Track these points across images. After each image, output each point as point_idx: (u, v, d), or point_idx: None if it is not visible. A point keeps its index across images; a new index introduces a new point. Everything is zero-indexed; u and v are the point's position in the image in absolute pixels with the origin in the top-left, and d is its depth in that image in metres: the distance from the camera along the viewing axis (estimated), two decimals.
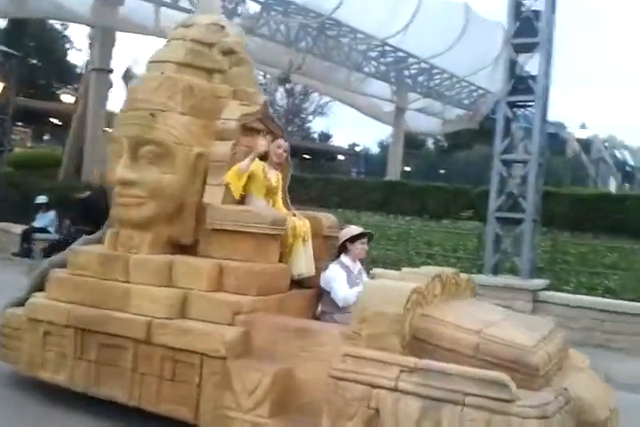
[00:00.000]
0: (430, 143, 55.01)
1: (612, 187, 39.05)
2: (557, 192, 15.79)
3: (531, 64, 9.01)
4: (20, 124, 34.41)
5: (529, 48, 8.91)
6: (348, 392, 3.27)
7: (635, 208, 14.38)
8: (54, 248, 10.84)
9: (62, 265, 4.96)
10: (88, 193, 11.08)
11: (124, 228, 4.72)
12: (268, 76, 37.04)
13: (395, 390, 3.19)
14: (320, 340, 3.83)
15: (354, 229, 4.97)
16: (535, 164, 8.66)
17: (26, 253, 11.56)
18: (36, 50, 43.78)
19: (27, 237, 11.77)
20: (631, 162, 51.30)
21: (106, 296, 4.45)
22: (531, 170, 8.67)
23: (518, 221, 8.71)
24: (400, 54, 24.33)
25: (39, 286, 4.98)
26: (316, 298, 4.88)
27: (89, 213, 10.63)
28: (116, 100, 18.97)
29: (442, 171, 40.82)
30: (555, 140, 33.66)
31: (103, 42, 16.92)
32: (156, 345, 4.17)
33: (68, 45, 47.74)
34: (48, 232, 11.84)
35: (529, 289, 8.40)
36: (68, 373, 4.50)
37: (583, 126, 44.95)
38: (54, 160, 20.13)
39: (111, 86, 17.03)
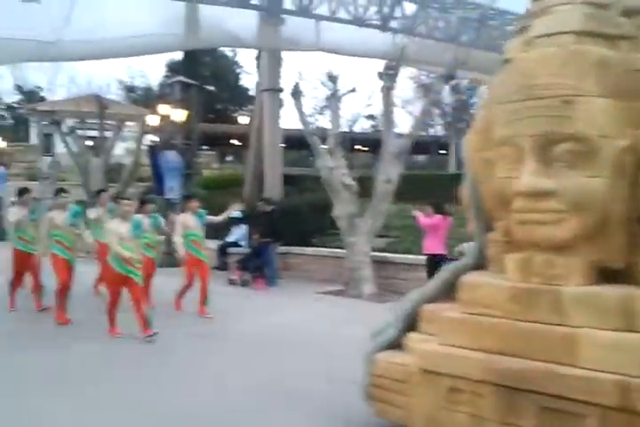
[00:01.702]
0: None
1: None
2: None
3: None
4: (204, 147, 37.16)
5: None
6: None
7: None
8: (246, 261, 11.48)
9: (432, 299, 4.30)
10: (272, 207, 11.55)
11: (539, 251, 3.66)
12: (431, 75, 36.66)
13: None
14: None
15: None
16: None
17: (223, 266, 12.26)
18: (212, 77, 47.25)
19: (223, 251, 12.48)
20: None
21: (534, 344, 3.48)
22: None
23: None
24: None
25: (410, 325, 4.27)
26: None
27: (273, 226, 11.10)
28: (289, 117, 19.66)
29: None
30: None
31: (270, 63, 17.68)
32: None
33: (239, 70, 50.96)
34: (240, 246, 12.47)
35: None
36: None
37: None
38: (238, 179, 21.41)
39: (282, 105, 17.69)
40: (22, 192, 8.72)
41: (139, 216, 7.50)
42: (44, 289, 8.47)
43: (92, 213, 9.25)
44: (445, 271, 4.39)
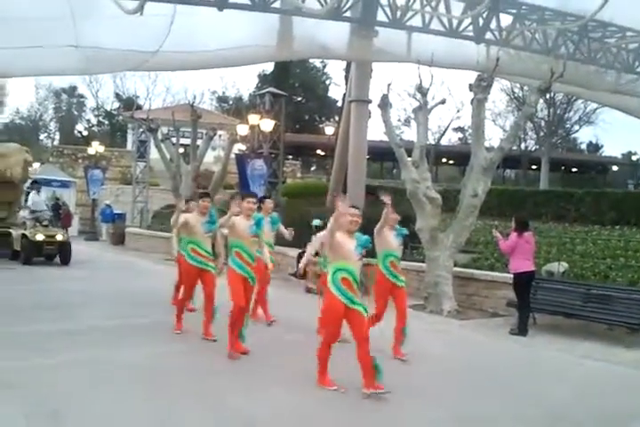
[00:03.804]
0: None
1: None
2: None
3: None
4: (290, 157, 37.74)
5: None
6: None
7: None
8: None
9: None
10: None
11: None
12: (525, 87, 35.65)
13: None
14: None
15: None
16: None
17: (302, 274, 12.31)
18: (300, 88, 48.03)
19: (301, 258, 12.52)
20: None
21: None
22: None
23: None
24: None
25: None
26: None
27: None
28: (374, 128, 19.69)
29: None
30: None
31: (359, 74, 17.71)
32: None
33: (328, 81, 51.56)
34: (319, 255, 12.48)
35: None
36: None
37: None
38: (322, 188, 21.55)
39: (370, 116, 17.66)
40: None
41: (260, 214, 6.89)
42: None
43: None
44: None
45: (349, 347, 5.28)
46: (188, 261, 7.17)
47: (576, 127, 45.47)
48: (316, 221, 11.87)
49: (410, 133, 41.10)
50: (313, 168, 48.75)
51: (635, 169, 45.59)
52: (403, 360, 6.32)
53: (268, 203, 8.48)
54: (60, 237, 14.59)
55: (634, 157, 48.17)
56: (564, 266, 10.18)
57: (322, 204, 18.45)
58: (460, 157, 37.17)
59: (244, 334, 6.38)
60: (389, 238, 6.47)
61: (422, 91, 10.89)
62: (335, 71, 68.11)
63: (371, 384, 4.99)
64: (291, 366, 5.91)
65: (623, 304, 8.02)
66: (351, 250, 5.19)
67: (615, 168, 49.86)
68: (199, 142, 17.89)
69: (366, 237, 5.40)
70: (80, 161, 31.90)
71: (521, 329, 8.14)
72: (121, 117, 43.65)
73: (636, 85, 22.54)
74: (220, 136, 25.88)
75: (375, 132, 64.85)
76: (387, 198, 6.09)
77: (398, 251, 6.66)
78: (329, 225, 5.21)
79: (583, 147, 55.82)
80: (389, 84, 11.25)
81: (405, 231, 6.83)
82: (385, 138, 12.51)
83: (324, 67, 50.57)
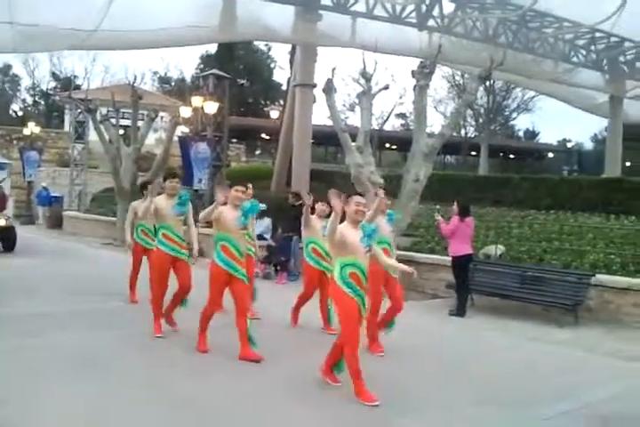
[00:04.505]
0: None
1: None
2: None
3: None
4: (234, 140, 37.35)
5: None
6: None
7: None
8: (270, 253, 11.48)
9: None
10: (300, 202, 11.51)
11: None
12: (466, 75, 36.26)
13: None
14: None
15: None
16: None
17: None
18: (245, 71, 47.48)
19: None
20: None
21: None
22: None
23: None
24: (613, 40, 22.30)
25: None
26: None
27: (298, 220, 11.07)
28: (318, 113, 19.70)
29: None
30: None
31: (304, 58, 17.66)
32: None
33: (273, 65, 51.11)
34: (265, 239, 12.48)
35: None
36: None
37: None
38: (266, 173, 21.47)
39: (314, 100, 17.66)
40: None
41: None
42: None
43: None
44: None
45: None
46: (160, 247, 6.42)
47: (514, 115, 46.79)
48: (262, 206, 11.83)
49: (354, 119, 41.29)
50: (258, 152, 48.38)
51: (569, 156, 47.21)
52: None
53: (250, 189, 7.55)
54: (2, 223, 13.43)
55: (568, 145, 49.95)
56: (501, 249, 10.52)
57: (266, 188, 18.39)
58: (403, 143, 37.64)
59: (253, 336, 5.61)
60: (382, 224, 5.97)
61: (366, 76, 10.96)
62: (280, 55, 67.54)
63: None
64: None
65: (557, 286, 8.35)
66: (358, 243, 4.77)
67: (551, 155, 51.50)
68: (140, 124, 17.51)
69: (373, 226, 5.01)
70: (15, 142, 30.76)
71: (459, 310, 8.39)
72: (58, 98, 42.15)
73: (572, 75, 23.32)
74: (161, 118, 25.40)
75: (320, 116, 64.83)
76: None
77: (390, 237, 6.25)
78: (329, 225, 4.74)
79: (521, 134, 57.39)
80: (334, 69, 11.26)
81: (396, 215, 6.36)
82: (329, 122, 12.57)
83: (269, 50, 50.08)
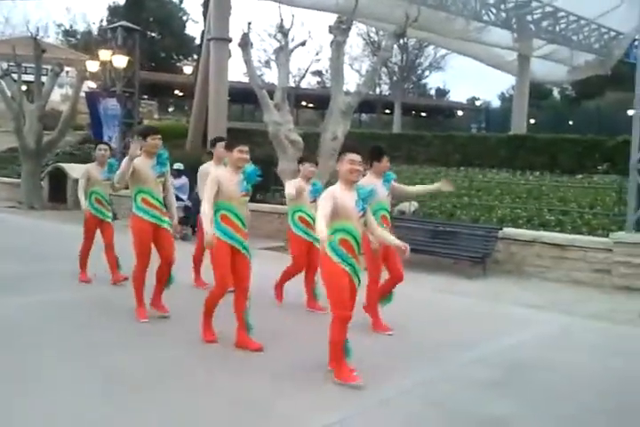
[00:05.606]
0: (557, 93, 51.82)
1: None
2: None
3: None
4: (145, 97, 36.02)
5: None
6: None
7: None
8: (186, 214, 11.34)
9: None
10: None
11: None
12: (381, 32, 36.30)
13: None
14: None
15: None
16: None
17: None
18: (156, 23, 45.48)
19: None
20: None
21: None
22: None
23: None
24: None
25: None
26: None
27: None
28: (234, 69, 19.29)
29: (571, 122, 38.41)
30: None
31: (218, 11, 17.10)
32: None
33: (185, 18, 49.21)
34: (181, 199, 12.26)
35: None
36: None
37: None
38: (181, 131, 20.96)
39: (230, 56, 17.25)
40: None
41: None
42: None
43: None
44: None
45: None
46: (139, 215, 5.61)
47: (427, 73, 47.51)
48: (178, 165, 11.60)
49: (271, 75, 40.61)
50: (171, 109, 46.99)
51: (478, 114, 48.62)
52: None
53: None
54: None
55: (477, 103, 51.37)
56: (414, 205, 10.84)
57: (181, 146, 17.98)
58: (320, 101, 37.54)
59: (250, 321, 4.92)
60: (377, 188, 5.18)
61: (283, 31, 10.79)
62: (193, 7, 65.16)
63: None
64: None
65: (467, 240, 8.76)
66: (352, 206, 4.24)
67: (460, 113, 52.83)
68: (44, 79, 16.60)
69: (369, 188, 4.48)
70: None
71: None
72: None
73: (483, 34, 23.84)
74: (67, 73, 24.08)
75: (236, 72, 63.28)
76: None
77: (387, 202, 5.60)
78: (323, 194, 4.25)
79: (432, 93, 58.45)
80: (250, 23, 11.00)
81: (394, 176, 5.71)
82: (246, 79, 12.36)
83: (181, 2, 48.14)
